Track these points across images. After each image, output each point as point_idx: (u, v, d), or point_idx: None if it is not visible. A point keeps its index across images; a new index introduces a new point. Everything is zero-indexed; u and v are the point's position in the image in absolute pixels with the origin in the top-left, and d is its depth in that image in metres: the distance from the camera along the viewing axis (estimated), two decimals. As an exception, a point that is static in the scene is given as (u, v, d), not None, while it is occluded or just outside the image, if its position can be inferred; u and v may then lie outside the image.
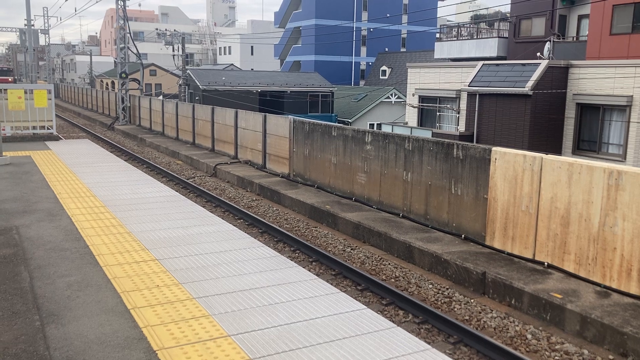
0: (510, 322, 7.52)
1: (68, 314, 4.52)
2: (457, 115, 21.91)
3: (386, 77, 45.63)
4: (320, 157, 14.69)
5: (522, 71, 18.63)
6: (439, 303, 8.27)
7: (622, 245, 7.55)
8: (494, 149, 9.59)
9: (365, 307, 4.74)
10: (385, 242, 10.57)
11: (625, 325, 6.65)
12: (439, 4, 54.60)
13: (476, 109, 19.74)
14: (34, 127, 15.79)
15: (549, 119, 18.27)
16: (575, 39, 25.88)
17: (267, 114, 18.17)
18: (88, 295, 4.90)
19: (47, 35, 51.20)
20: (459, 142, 10.51)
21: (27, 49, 30.62)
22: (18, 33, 42.57)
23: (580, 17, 25.86)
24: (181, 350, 3.92)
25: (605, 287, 7.76)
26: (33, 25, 32.36)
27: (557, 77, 18.17)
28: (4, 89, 15.73)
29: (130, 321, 4.39)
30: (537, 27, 26.68)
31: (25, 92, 15.45)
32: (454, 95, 21.94)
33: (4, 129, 14.77)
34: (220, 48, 77.20)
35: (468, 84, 20.14)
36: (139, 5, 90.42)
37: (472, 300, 8.23)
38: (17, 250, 6.13)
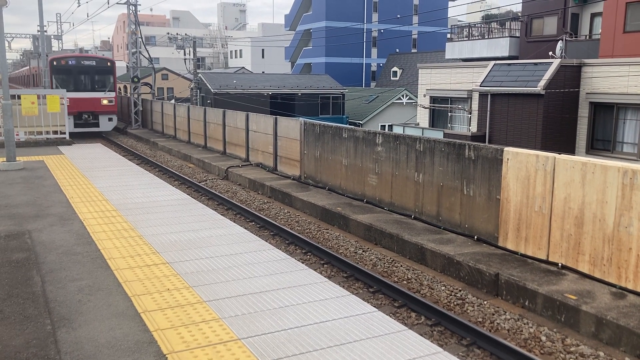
0: (524, 324, 7.44)
1: (79, 318, 4.52)
2: (469, 115, 21.79)
3: (397, 78, 45.53)
4: (331, 159, 14.67)
5: (534, 70, 18.48)
6: (452, 305, 8.21)
7: (637, 246, 7.44)
8: (506, 149, 9.50)
9: (377, 309, 4.70)
10: (397, 244, 10.52)
11: (642, 327, 6.54)
12: (450, 4, 54.45)
13: (488, 109, 19.62)
14: (47, 132, 15.92)
15: (562, 119, 18.10)
16: (588, 37, 25.64)
17: (278, 116, 18.19)
18: (99, 299, 4.90)
19: (60, 41, 51.66)
20: (471, 143, 10.44)
21: (40, 55, 31.22)
22: (31, 39, 42.97)
23: (593, 15, 25.62)
24: (191, 354, 3.91)
25: (620, 288, 7.66)
26: (46, 31, 32.80)
27: (570, 76, 18.01)
28: (18, 95, 15.89)
29: (140, 325, 4.39)
30: (549, 26, 26.47)
31: (38, 98, 15.57)
32: (466, 96, 21.83)
33: (17, 134, 14.90)
34: (231, 51, 77.53)
35: (479, 84, 20.02)
36: (151, 10, 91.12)
37: (485, 302, 8.16)
38: (30, 254, 6.16)
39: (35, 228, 7.22)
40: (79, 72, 27.52)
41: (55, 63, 27.27)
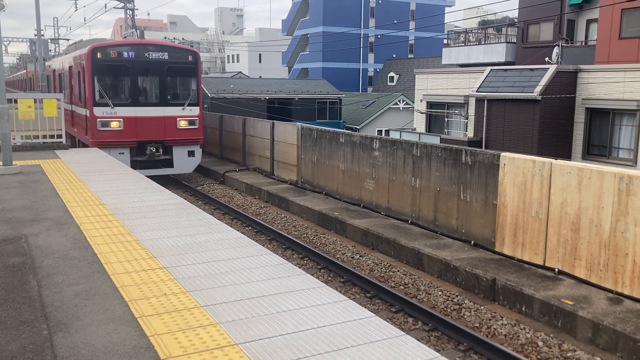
0: (521, 329, 7.45)
1: (76, 323, 4.51)
2: (466, 120, 21.84)
3: (394, 84, 45.64)
4: (328, 164, 14.67)
5: (530, 76, 18.55)
6: (449, 310, 8.21)
7: (634, 251, 7.46)
8: (502, 154, 9.53)
9: (374, 314, 4.70)
10: (394, 249, 10.52)
11: (638, 332, 6.55)
12: (447, 10, 54.63)
13: (484, 115, 19.67)
14: (43, 136, 15.88)
15: (558, 124, 18.17)
16: (583, 43, 25.75)
17: (275, 121, 18.22)
18: (96, 304, 4.89)
19: (57, 45, 51.59)
20: (468, 148, 10.47)
21: (37, 59, 30.71)
22: (28, 43, 42.86)
23: (589, 22, 25.74)
24: (188, 359, 3.90)
25: (617, 293, 7.67)
26: (43, 35, 32.51)
27: (566, 82, 18.08)
28: (14, 99, 15.85)
29: (137, 330, 4.37)
30: (545, 31, 26.58)
31: (35, 102, 15.53)
32: (462, 101, 21.89)
33: (14, 138, 14.85)
34: (228, 56, 77.57)
35: (476, 89, 20.08)
36: (148, 14, 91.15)
37: (482, 307, 8.16)
38: (26, 259, 6.14)
39: (31, 232, 7.19)
40: (140, 72, 16.28)
41: (99, 55, 15.85)
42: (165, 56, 16.47)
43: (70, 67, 18.92)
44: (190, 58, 16.92)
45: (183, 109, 16.60)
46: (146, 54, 16.26)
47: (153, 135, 16.30)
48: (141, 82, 16.44)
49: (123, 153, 15.88)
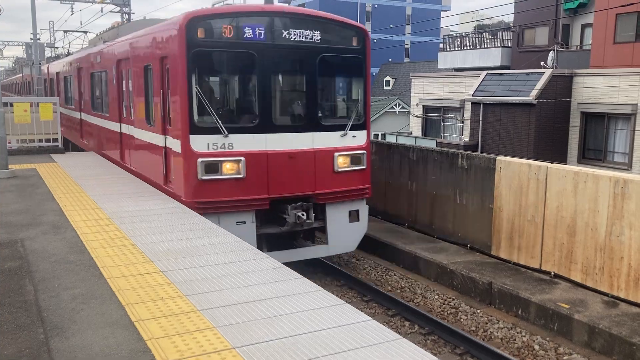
0: (517, 333, 7.47)
1: (72, 327, 4.50)
2: (461, 124, 21.90)
3: (390, 88, 45.73)
4: (324, 168, 14.68)
5: (526, 80, 18.63)
6: (445, 314, 8.22)
7: (629, 255, 7.50)
8: (498, 158, 9.56)
9: (371, 318, 4.70)
10: (391, 253, 10.53)
11: (634, 336, 6.58)
12: (442, 14, 54.85)
13: (480, 119, 19.74)
14: (39, 140, 15.84)
15: (554, 128, 18.25)
16: (578, 47, 25.89)
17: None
18: (92, 308, 4.88)
19: (53, 49, 51.45)
20: (464, 152, 10.50)
21: (33, 63, 30.60)
22: (24, 47, 42.81)
23: (584, 26, 25.88)
24: (185, 363, 3.90)
25: (612, 296, 7.70)
26: (39, 39, 32.41)
27: (561, 86, 18.17)
28: (10, 102, 15.82)
29: (134, 334, 4.37)
30: (540, 36, 26.71)
31: (31, 105, 15.50)
32: (458, 105, 21.96)
33: (9, 142, 14.83)
34: (224, 60, 77.49)
35: (472, 93, 20.15)
36: (144, 18, 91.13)
37: (478, 311, 8.18)
38: (22, 263, 6.12)
39: (27, 236, 7.17)
40: (274, 67, 8.79)
41: (201, 34, 8.05)
42: (317, 37, 9.00)
43: (119, 62, 11.72)
44: (355, 41, 9.59)
45: (344, 135, 9.31)
46: (285, 33, 8.73)
47: (296, 185, 8.88)
48: (275, 87, 9.11)
49: (244, 222, 8.69)
